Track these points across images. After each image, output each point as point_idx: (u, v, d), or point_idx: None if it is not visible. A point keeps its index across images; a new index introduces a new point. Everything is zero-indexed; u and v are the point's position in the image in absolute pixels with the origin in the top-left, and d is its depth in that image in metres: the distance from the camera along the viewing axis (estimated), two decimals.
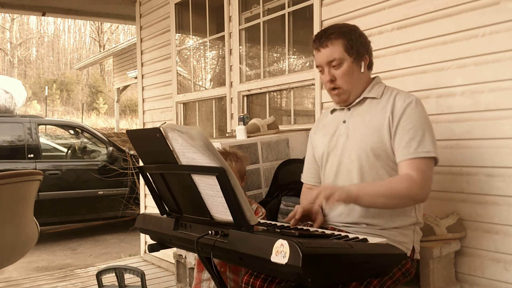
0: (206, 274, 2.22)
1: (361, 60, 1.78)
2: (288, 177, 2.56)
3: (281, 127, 3.06)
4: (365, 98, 1.81)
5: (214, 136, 4.03)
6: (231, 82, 3.61)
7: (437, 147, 1.71)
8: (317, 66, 1.81)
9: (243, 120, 2.93)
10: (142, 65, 4.85)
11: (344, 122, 1.83)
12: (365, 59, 1.79)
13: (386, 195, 1.62)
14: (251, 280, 1.69)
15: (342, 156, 1.79)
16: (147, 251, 4.81)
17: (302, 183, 2.09)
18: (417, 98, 1.75)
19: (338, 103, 1.84)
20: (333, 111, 1.93)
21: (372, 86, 1.82)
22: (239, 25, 3.53)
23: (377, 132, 1.73)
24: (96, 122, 19.11)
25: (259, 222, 1.67)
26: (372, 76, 1.88)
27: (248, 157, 2.39)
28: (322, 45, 1.75)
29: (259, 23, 3.41)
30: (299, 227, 1.69)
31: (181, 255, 2.87)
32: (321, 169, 1.92)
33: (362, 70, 1.79)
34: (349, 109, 1.84)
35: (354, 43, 1.76)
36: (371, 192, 1.62)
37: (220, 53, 4.23)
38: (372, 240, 1.42)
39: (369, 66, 1.84)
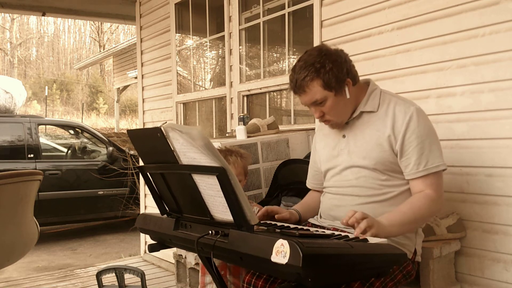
0: (208, 278, 2.22)
1: (343, 88, 1.70)
2: (288, 177, 2.56)
3: (281, 127, 3.06)
4: (362, 112, 1.77)
5: (214, 136, 4.03)
6: (231, 82, 3.61)
7: (443, 154, 1.72)
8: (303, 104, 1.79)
9: (243, 120, 2.94)
10: (142, 65, 4.85)
11: (344, 136, 1.81)
12: (347, 83, 1.70)
13: (412, 221, 1.63)
14: (253, 280, 1.69)
15: (343, 171, 1.79)
16: (147, 251, 4.81)
17: (302, 183, 2.10)
18: (417, 107, 1.70)
19: (333, 129, 1.83)
20: None
21: (367, 98, 1.77)
22: (239, 25, 3.53)
23: (379, 148, 1.70)
24: (96, 122, 19.10)
25: (259, 222, 1.67)
26: (364, 79, 1.84)
27: (250, 155, 2.40)
28: (299, 92, 1.71)
29: (259, 23, 3.41)
30: (299, 227, 1.69)
31: (181, 255, 2.87)
32: (323, 177, 1.92)
33: (348, 96, 1.71)
34: (347, 123, 1.81)
35: (330, 77, 1.66)
36: (399, 223, 1.59)
37: (220, 53, 4.23)
38: (372, 240, 1.42)
39: (354, 82, 1.74)
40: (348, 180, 1.78)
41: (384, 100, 1.76)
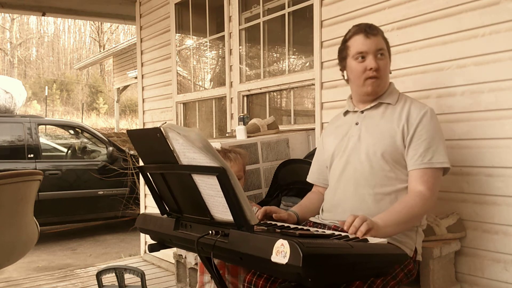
0: (207, 277, 2.23)
1: (390, 61, 1.86)
2: (288, 177, 2.56)
3: (281, 127, 3.06)
4: (380, 103, 1.84)
5: (214, 136, 4.03)
6: (231, 82, 3.61)
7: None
8: (358, 53, 1.79)
9: (243, 120, 2.93)
10: (142, 65, 4.85)
11: (357, 124, 1.85)
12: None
13: (406, 220, 1.65)
14: (254, 279, 1.69)
15: (351, 156, 1.81)
16: (147, 251, 4.81)
17: (302, 183, 2.10)
18: (431, 108, 1.79)
19: (369, 94, 1.83)
20: (346, 113, 1.95)
21: (389, 92, 1.85)
22: (239, 25, 3.53)
23: (390, 138, 1.75)
24: (96, 122, 19.10)
25: (259, 222, 1.67)
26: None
27: (248, 154, 2.43)
28: (372, 32, 1.78)
29: (259, 23, 3.41)
30: (299, 227, 1.69)
31: (181, 255, 2.87)
32: (328, 168, 1.94)
33: (390, 72, 1.86)
34: (362, 112, 1.86)
35: (388, 45, 1.85)
36: (394, 223, 1.61)
37: (220, 53, 4.23)
38: (372, 240, 1.42)
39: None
40: (353, 167, 1.79)
41: (402, 97, 1.85)
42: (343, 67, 1.89)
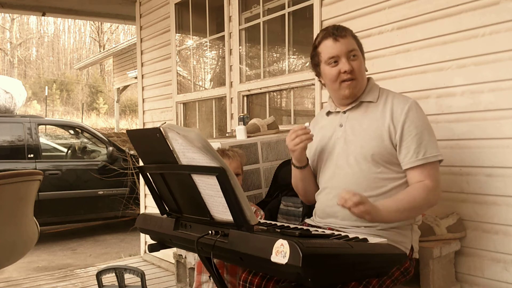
0: (205, 277, 2.23)
1: (364, 59, 1.83)
2: (288, 177, 2.54)
3: (281, 127, 3.06)
4: (361, 102, 1.81)
5: (214, 136, 4.03)
6: (231, 82, 3.61)
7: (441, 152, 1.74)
8: (330, 58, 1.76)
9: (243, 120, 2.93)
10: (142, 65, 4.85)
11: (341, 126, 1.82)
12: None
13: (407, 208, 1.65)
14: (249, 277, 1.69)
15: (339, 160, 1.79)
16: (147, 251, 4.81)
17: None
18: (414, 100, 1.76)
19: (348, 97, 1.80)
20: (328, 113, 1.92)
21: (368, 90, 1.82)
22: (239, 25, 3.53)
23: (377, 138, 1.73)
24: (96, 122, 19.10)
25: (259, 222, 1.67)
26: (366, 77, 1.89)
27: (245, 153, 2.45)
28: (340, 35, 1.75)
29: (259, 23, 3.41)
30: (299, 227, 1.69)
31: (181, 255, 2.87)
32: (316, 170, 1.92)
33: (366, 70, 1.83)
34: (344, 112, 1.84)
35: (360, 44, 1.83)
36: (394, 209, 1.61)
37: (220, 53, 4.23)
38: (372, 240, 1.42)
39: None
40: (343, 172, 1.77)
41: (383, 93, 1.82)
42: (317, 73, 1.85)
